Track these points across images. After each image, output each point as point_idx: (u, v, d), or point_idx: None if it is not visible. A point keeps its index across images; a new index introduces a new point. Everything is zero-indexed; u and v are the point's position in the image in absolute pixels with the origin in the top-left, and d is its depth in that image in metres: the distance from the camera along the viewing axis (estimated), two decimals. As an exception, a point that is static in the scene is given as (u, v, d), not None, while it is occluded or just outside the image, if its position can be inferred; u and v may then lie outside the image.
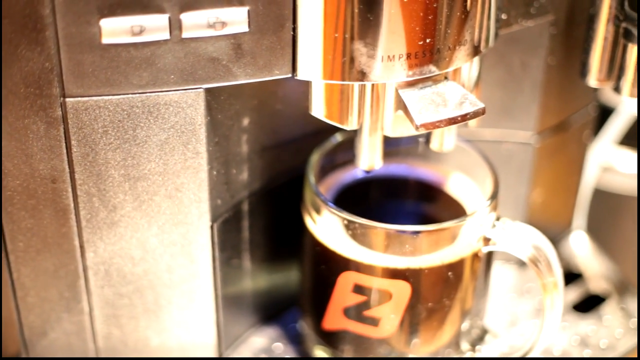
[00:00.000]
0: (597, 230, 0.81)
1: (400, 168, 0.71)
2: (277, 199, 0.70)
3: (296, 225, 0.69)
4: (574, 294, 0.77)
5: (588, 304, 0.76)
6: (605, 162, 0.84)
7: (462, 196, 0.69)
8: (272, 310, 0.75)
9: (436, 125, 0.59)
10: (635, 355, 0.73)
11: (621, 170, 0.85)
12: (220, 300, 0.68)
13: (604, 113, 0.83)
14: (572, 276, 0.78)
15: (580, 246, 0.81)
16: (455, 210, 0.68)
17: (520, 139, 0.74)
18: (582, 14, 0.68)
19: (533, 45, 0.69)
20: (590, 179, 0.82)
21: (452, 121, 0.60)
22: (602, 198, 0.82)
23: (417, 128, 0.59)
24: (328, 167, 0.70)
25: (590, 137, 0.78)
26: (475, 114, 0.61)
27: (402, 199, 0.70)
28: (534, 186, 0.76)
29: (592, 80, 0.68)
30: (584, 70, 0.68)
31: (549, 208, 0.78)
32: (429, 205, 0.69)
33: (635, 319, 0.74)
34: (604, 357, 0.72)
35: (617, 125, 0.86)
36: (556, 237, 0.80)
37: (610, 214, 0.82)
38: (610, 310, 0.75)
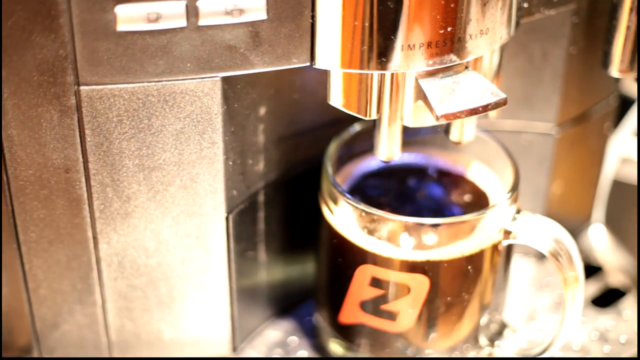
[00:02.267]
0: (617, 222, 0.80)
1: (420, 157, 0.70)
2: (294, 190, 0.69)
3: (313, 216, 0.68)
4: (593, 287, 0.76)
5: (607, 298, 0.75)
6: (625, 153, 0.82)
7: (482, 186, 0.68)
8: (288, 303, 0.74)
9: (457, 115, 0.58)
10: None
11: (640, 162, 0.84)
12: (235, 292, 0.67)
13: (625, 104, 0.81)
14: (591, 269, 0.77)
15: (600, 239, 0.80)
16: (476, 200, 0.67)
17: (540, 129, 0.73)
18: (604, 3, 0.67)
19: (554, 35, 0.68)
20: (609, 170, 0.81)
21: (473, 112, 0.59)
22: (622, 190, 0.81)
23: (437, 119, 0.58)
24: (346, 157, 0.69)
25: (610, 128, 0.77)
26: (497, 105, 0.59)
27: (422, 188, 0.69)
28: (554, 178, 0.74)
29: (614, 71, 0.66)
30: (606, 61, 0.66)
31: (568, 200, 0.77)
32: (448, 194, 0.68)
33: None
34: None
35: (637, 116, 0.84)
36: (575, 229, 0.79)
37: (630, 206, 0.80)
38: (629, 305, 0.74)
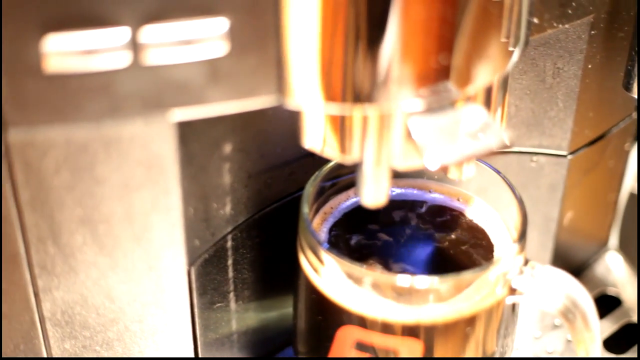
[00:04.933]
0: (636, 248, 0.71)
1: (413, 191, 0.61)
2: (267, 230, 0.61)
3: (289, 254, 0.59)
4: (609, 326, 0.67)
5: (624, 338, 0.67)
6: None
7: (484, 226, 0.60)
8: (265, 351, 0.66)
9: (452, 163, 0.50)
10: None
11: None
12: (202, 348, 0.59)
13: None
14: (605, 302, 0.69)
15: (617, 268, 0.71)
16: (476, 242, 0.59)
17: (552, 150, 0.64)
18: (627, 10, 0.58)
19: (569, 49, 0.59)
20: (627, 187, 0.72)
21: (470, 157, 0.50)
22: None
23: (429, 167, 0.49)
24: (329, 189, 0.60)
25: (632, 144, 0.68)
26: (499, 148, 0.51)
27: (414, 230, 0.60)
28: (567, 202, 0.66)
29: (637, 92, 0.58)
30: (628, 81, 0.57)
31: (582, 225, 0.68)
32: (445, 237, 0.60)
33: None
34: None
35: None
36: (590, 257, 0.71)
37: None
38: (651, 346, 0.66)
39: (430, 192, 0.61)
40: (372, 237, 0.58)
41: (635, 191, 0.73)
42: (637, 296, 0.68)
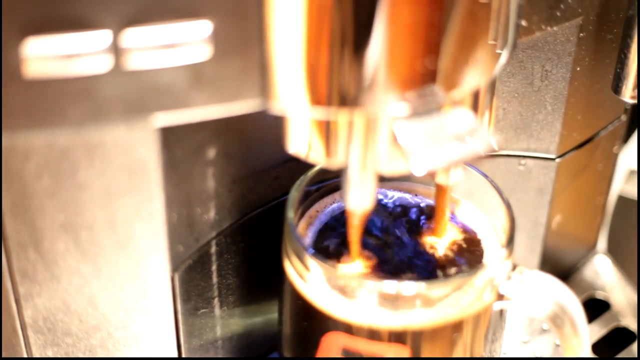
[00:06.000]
0: (623, 245, 0.71)
1: (400, 192, 0.61)
2: (251, 235, 0.60)
3: (274, 259, 0.59)
4: (597, 330, 0.67)
5: (614, 340, 0.66)
6: (634, 166, 0.73)
7: (469, 226, 0.59)
8: (250, 356, 0.65)
9: (439, 168, 0.49)
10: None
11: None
12: (186, 355, 0.58)
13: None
14: (595, 304, 0.68)
15: (606, 271, 0.71)
16: (465, 244, 0.58)
17: (541, 153, 0.63)
18: (617, 13, 0.58)
19: (557, 52, 0.58)
20: (616, 189, 0.71)
21: (458, 162, 0.49)
22: (629, 208, 0.71)
23: (415, 173, 0.49)
24: (315, 193, 0.59)
25: (621, 146, 0.67)
26: (487, 152, 0.50)
27: (401, 227, 0.60)
28: (555, 205, 0.65)
29: (628, 96, 0.57)
30: (617, 84, 0.57)
31: (571, 229, 0.68)
32: (432, 239, 0.59)
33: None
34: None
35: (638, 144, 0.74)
36: (578, 261, 0.70)
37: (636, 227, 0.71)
38: (640, 350, 0.66)
39: (416, 195, 0.60)
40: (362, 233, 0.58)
41: (624, 194, 0.72)
42: (638, 300, 0.68)
